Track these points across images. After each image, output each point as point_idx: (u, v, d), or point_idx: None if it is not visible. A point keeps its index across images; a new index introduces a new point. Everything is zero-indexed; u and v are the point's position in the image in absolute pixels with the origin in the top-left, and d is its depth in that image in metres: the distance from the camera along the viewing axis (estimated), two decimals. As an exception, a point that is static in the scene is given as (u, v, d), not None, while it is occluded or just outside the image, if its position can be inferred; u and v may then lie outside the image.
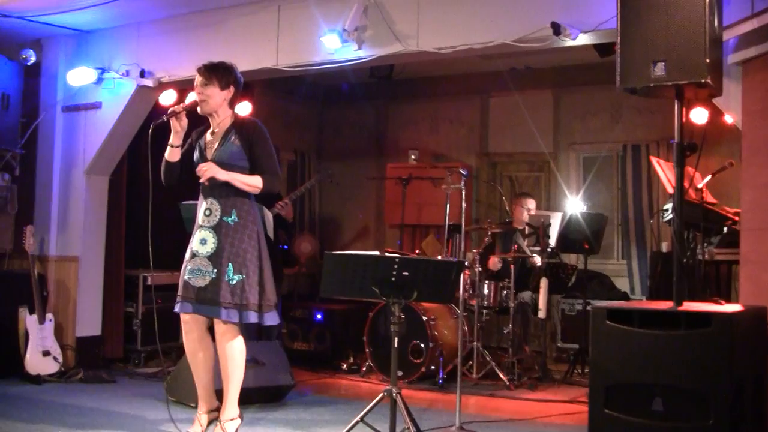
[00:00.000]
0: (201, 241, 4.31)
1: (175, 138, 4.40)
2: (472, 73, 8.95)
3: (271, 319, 4.37)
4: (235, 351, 4.34)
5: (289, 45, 6.10)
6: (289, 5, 6.11)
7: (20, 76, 6.94)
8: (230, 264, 4.25)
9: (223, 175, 4.26)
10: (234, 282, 4.24)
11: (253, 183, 4.32)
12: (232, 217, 4.30)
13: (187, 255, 4.37)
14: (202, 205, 4.37)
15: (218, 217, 4.30)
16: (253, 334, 5.99)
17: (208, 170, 4.26)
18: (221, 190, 4.32)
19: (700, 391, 3.36)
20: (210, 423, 4.48)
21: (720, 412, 3.29)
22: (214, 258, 4.26)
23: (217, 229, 4.29)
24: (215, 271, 4.24)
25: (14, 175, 7.03)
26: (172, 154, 4.42)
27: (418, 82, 9.32)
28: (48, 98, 7.22)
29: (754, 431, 3.68)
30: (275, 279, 4.47)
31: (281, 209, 6.64)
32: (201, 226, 4.34)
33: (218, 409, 4.50)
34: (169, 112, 4.37)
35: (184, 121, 4.39)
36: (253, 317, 4.28)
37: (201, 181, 4.34)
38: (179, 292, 4.35)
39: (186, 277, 4.31)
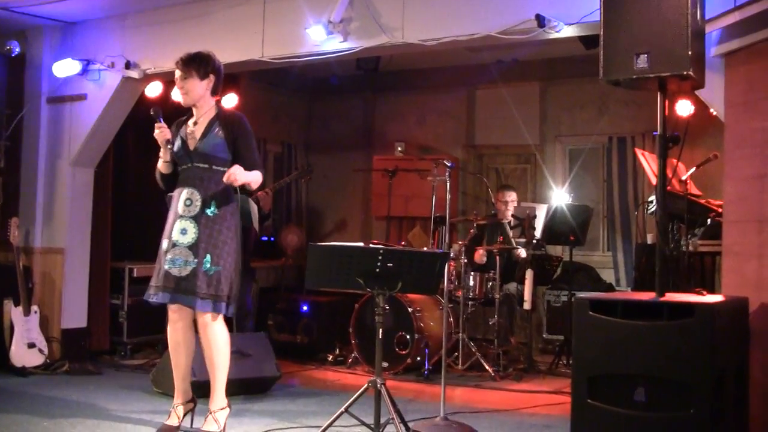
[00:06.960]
0: (181, 231, 4.30)
1: (164, 154, 4.42)
2: (458, 66, 8.95)
3: (231, 311, 4.40)
4: (219, 340, 4.34)
5: (275, 37, 6.08)
6: (275, -3, 6.10)
7: (4, 67, 6.87)
8: (208, 255, 4.26)
9: (245, 177, 4.24)
10: (211, 273, 4.26)
11: (258, 179, 4.35)
12: (212, 209, 4.31)
13: (164, 245, 4.35)
14: (182, 195, 4.36)
15: (199, 207, 4.31)
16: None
17: (237, 176, 4.19)
18: (202, 181, 4.33)
19: (682, 381, 3.38)
20: (185, 414, 4.49)
21: (701, 402, 3.31)
22: (194, 248, 4.27)
23: (198, 219, 4.30)
24: (195, 260, 4.25)
25: (-1, 166, 7.01)
26: (164, 167, 4.47)
27: (405, 74, 9.31)
28: (33, 90, 7.16)
29: (735, 421, 3.72)
30: (244, 271, 4.50)
31: (262, 198, 6.64)
32: (181, 216, 4.33)
33: (193, 401, 4.54)
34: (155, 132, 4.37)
35: (167, 135, 4.37)
36: (224, 309, 4.31)
37: (235, 185, 4.26)
38: (155, 282, 4.33)
39: (167, 267, 4.30)
